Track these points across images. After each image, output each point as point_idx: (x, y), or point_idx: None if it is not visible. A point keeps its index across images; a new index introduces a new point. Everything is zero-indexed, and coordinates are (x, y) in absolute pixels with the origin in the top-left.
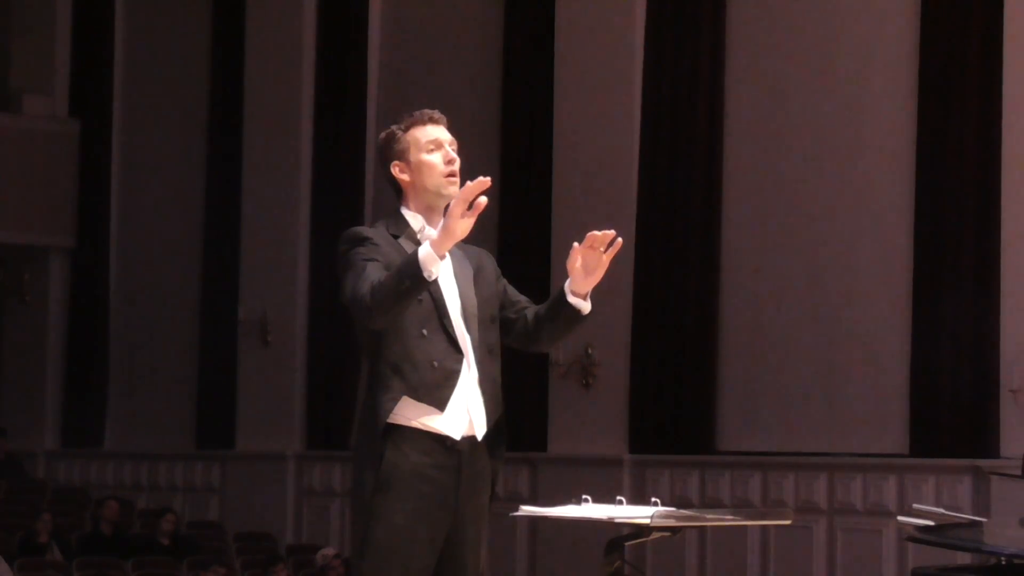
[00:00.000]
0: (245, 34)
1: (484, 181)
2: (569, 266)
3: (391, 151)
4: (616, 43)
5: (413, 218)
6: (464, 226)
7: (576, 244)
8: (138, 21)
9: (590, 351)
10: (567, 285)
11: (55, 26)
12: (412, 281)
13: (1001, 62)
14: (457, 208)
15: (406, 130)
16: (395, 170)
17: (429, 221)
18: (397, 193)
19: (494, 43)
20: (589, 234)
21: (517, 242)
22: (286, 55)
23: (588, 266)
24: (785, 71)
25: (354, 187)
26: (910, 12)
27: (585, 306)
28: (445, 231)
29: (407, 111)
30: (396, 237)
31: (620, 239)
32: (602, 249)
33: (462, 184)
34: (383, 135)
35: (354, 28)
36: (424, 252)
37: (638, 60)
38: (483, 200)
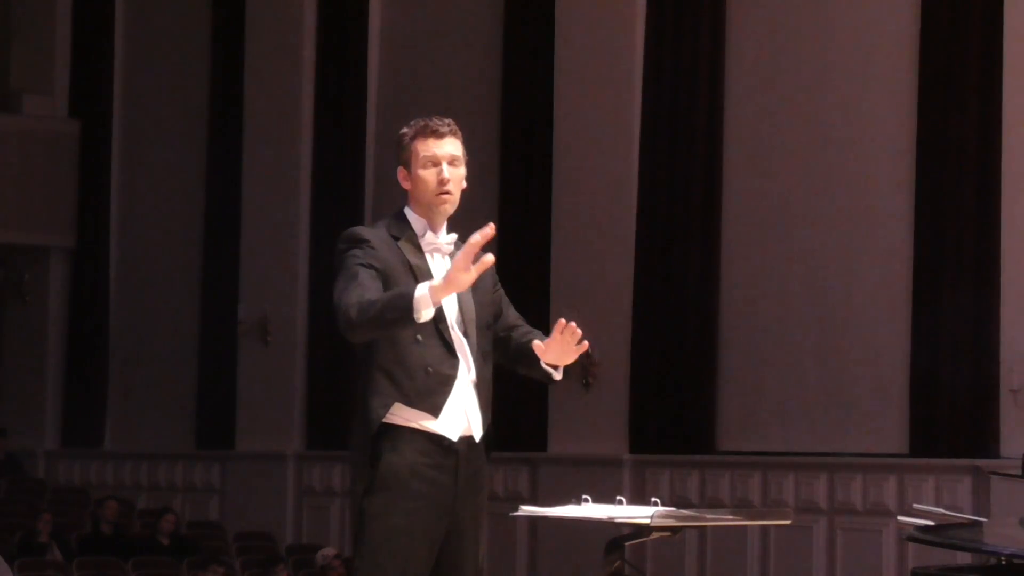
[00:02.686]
0: (245, 34)
1: (487, 233)
2: (537, 352)
3: (399, 155)
4: (616, 43)
5: (416, 221)
6: (467, 280)
7: (537, 341)
8: (138, 21)
9: (590, 351)
10: (538, 348)
11: (55, 26)
12: (400, 315)
13: (1001, 62)
14: (462, 261)
15: (412, 139)
16: (399, 175)
17: (431, 225)
18: (404, 191)
19: (494, 43)
20: (559, 321)
21: (517, 242)
22: (286, 55)
23: (557, 351)
24: (785, 71)
25: (354, 187)
26: (910, 12)
27: (556, 375)
28: (447, 282)
29: (410, 112)
30: (396, 239)
31: (587, 342)
32: (573, 342)
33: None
34: (397, 136)
35: (354, 28)
36: (420, 293)
37: (638, 60)
38: (489, 258)
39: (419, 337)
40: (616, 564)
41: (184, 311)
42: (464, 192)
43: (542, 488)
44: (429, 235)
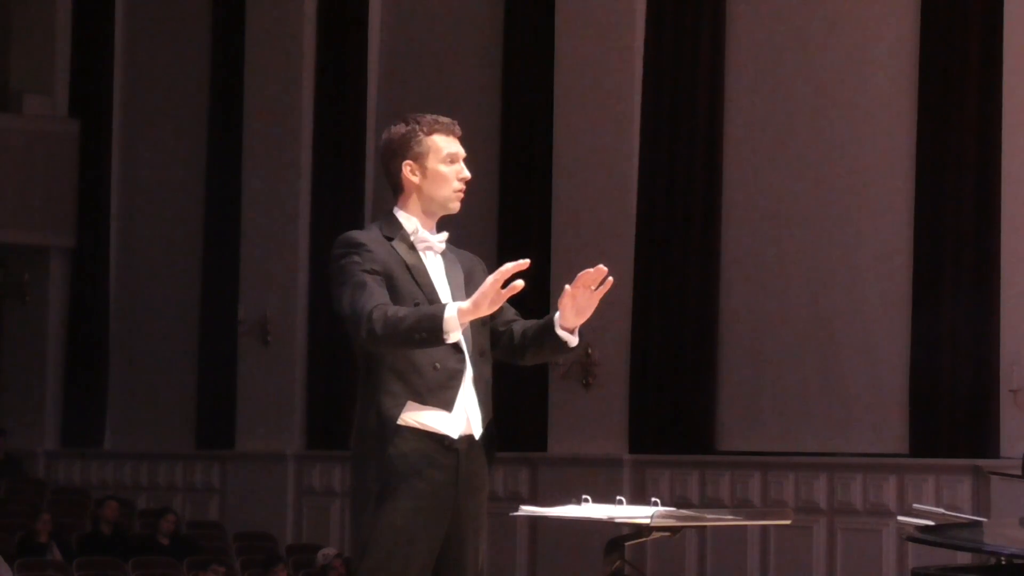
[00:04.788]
0: (245, 34)
1: (522, 263)
2: (560, 304)
3: (407, 149)
4: (616, 43)
5: (407, 220)
6: (495, 304)
7: (568, 286)
8: (138, 21)
9: (590, 351)
10: (556, 318)
11: (55, 26)
12: (428, 335)
13: (1001, 62)
14: (491, 288)
15: (428, 134)
16: (406, 169)
17: (423, 224)
18: (394, 190)
19: (494, 43)
20: (581, 273)
21: (517, 242)
22: (286, 55)
23: (579, 304)
24: (785, 71)
25: (354, 187)
26: (910, 12)
27: (572, 340)
28: (475, 305)
29: (410, 111)
30: (390, 239)
31: (611, 278)
32: (593, 287)
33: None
34: (403, 130)
35: (354, 28)
36: (449, 314)
37: (638, 60)
38: (519, 283)
39: None
40: (616, 564)
41: (184, 311)
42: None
43: (542, 488)
44: (421, 232)
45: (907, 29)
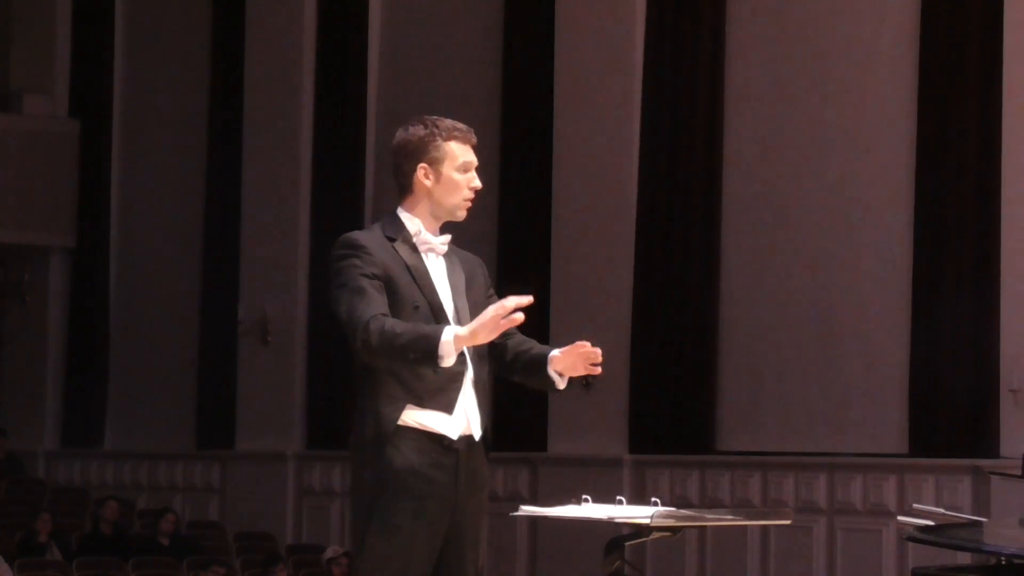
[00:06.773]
0: (245, 34)
1: (525, 299)
2: (551, 357)
3: (424, 153)
4: (616, 43)
5: (410, 221)
6: (493, 334)
7: (557, 351)
8: (138, 21)
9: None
10: (551, 357)
11: (55, 26)
12: (423, 356)
13: (1001, 62)
14: (492, 320)
15: (446, 140)
16: (420, 172)
17: (426, 226)
18: (402, 190)
19: (494, 43)
20: (578, 342)
21: (517, 243)
22: (286, 55)
23: (567, 362)
24: (785, 71)
25: (354, 187)
26: (910, 12)
27: (561, 383)
28: (471, 334)
29: (410, 111)
30: (392, 240)
31: (600, 369)
32: (588, 361)
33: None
34: (421, 132)
35: (354, 28)
36: (446, 338)
37: (638, 60)
38: (520, 316)
39: None
40: (616, 564)
41: (184, 311)
42: None
43: (542, 488)
44: (424, 234)
45: (907, 29)
